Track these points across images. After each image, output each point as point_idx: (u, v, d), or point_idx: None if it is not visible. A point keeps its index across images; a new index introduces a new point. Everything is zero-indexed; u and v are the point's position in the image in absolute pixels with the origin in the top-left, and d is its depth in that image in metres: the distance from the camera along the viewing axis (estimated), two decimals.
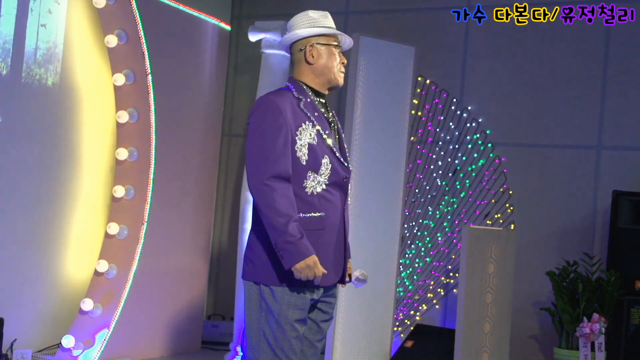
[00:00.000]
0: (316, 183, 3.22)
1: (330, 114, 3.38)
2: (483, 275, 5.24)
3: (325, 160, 3.24)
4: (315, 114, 3.27)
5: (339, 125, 3.41)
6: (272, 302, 3.15)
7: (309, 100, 3.27)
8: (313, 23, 3.30)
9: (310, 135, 3.22)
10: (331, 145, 3.27)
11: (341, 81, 3.36)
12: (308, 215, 3.19)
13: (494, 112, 6.23)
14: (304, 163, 3.20)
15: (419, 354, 5.67)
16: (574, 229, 5.91)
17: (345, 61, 3.37)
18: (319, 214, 3.21)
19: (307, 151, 3.20)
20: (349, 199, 5.72)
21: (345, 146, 3.39)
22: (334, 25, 3.35)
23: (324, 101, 3.36)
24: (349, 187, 3.44)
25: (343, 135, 3.42)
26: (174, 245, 6.27)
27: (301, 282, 3.15)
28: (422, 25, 6.49)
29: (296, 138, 3.19)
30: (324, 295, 3.30)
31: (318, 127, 3.25)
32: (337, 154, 3.29)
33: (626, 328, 5.36)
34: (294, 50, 3.34)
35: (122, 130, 5.90)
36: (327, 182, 3.25)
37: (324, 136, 3.25)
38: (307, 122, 3.23)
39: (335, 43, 3.33)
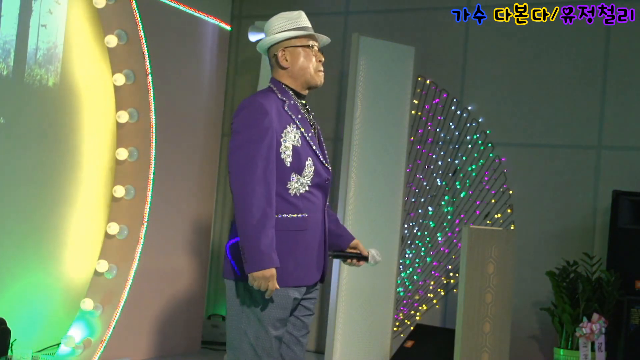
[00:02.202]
0: (299, 185, 3.23)
1: (311, 115, 3.37)
2: (483, 275, 5.24)
3: (309, 162, 3.25)
4: (299, 116, 3.27)
5: (319, 127, 3.41)
6: (255, 300, 3.14)
7: (292, 102, 3.27)
8: (283, 27, 3.29)
9: (295, 137, 3.22)
10: (314, 147, 3.28)
11: (319, 80, 3.32)
12: (291, 216, 3.20)
13: (494, 112, 6.23)
14: (288, 165, 3.20)
15: (419, 354, 5.67)
16: (574, 229, 5.91)
17: (323, 59, 3.32)
18: (301, 215, 3.22)
19: (291, 153, 3.20)
20: (349, 200, 5.74)
21: (325, 147, 3.38)
22: (307, 24, 3.32)
23: (304, 102, 3.35)
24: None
25: (322, 137, 3.41)
26: (174, 245, 6.27)
27: (284, 280, 3.14)
28: (422, 25, 6.49)
29: (281, 140, 3.18)
30: (307, 293, 3.31)
31: (302, 129, 3.25)
32: (320, 156, 3.30)
33: (626, 328, 5.35)
34: (270, 56, 3.34)
35: (122, 130, 5.90)
36: (310, 184, 3.25)
37: (307, 138, 3.26)
38: (291, 125, 3.22)
39: (310, 43, 3.29)
